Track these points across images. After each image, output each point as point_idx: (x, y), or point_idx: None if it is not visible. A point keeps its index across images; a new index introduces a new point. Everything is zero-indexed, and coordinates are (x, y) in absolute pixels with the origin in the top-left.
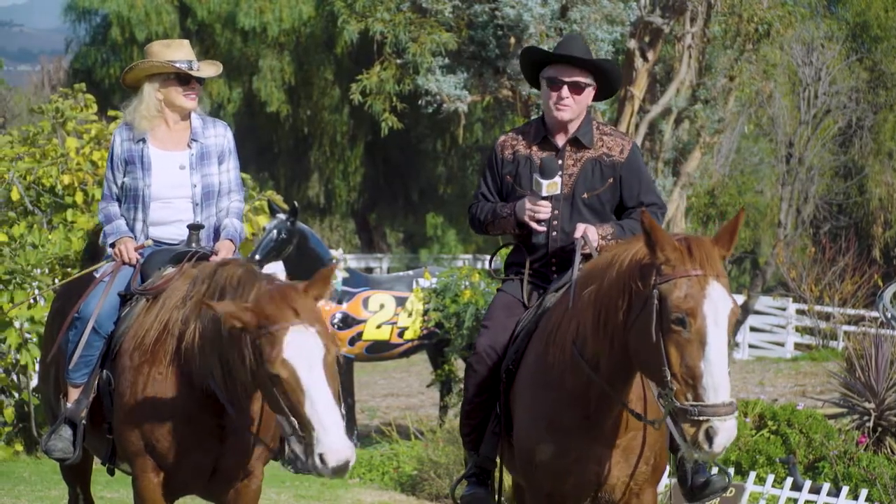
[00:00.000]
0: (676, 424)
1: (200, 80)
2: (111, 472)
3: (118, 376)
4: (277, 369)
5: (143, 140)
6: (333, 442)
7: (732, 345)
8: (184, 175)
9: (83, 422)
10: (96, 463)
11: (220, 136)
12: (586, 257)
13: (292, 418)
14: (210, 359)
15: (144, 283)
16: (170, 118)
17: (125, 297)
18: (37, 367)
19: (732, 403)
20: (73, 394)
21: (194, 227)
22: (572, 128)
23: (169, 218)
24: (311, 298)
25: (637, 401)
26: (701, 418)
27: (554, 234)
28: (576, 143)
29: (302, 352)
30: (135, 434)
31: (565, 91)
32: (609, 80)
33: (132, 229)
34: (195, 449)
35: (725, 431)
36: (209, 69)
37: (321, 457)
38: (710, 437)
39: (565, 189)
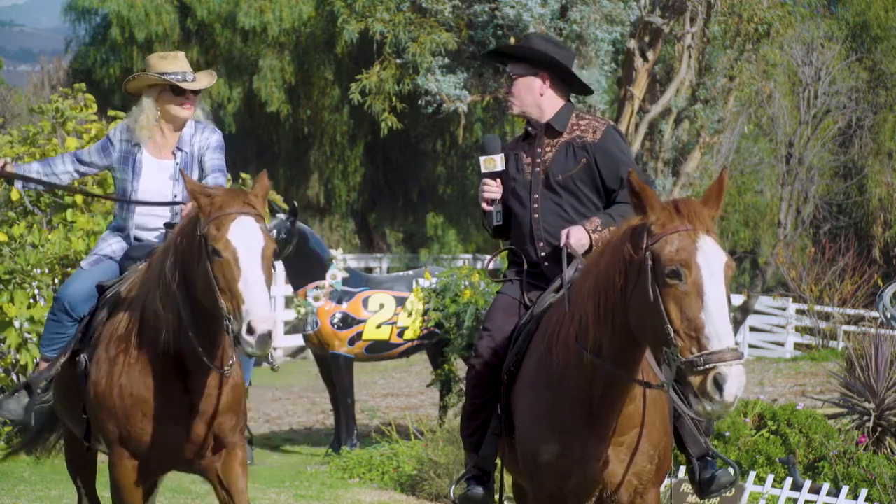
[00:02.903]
0: (685, 381)
1: (196, 91)
2: (88, 449)
3: (94, 365)
4: (220, 247)
5: (139, 145)
6: (260, 311)
7: (732, 309)
8: (169, 184)
9: (39, 389)
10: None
11: (205, 139)
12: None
13: (222, 302)
14: (175, 276)
15: (122, 275)
16: (166, 127)
17: (105, 288)
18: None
19: (737, 349)
20: (42, 366)
21: (171, 227)
22: (547, 117)
23: (154, 224)
24: (261, 199)
25: (637, 387)
26: (707, 366)
27: (535, 216)
28: (549, 129)
29: (243, 236)
30: (111, 422)
31: (506, 87)
32: (546, 61)
33: (120, 227)
34: (168, 422)
35: (734, 378)
36: (203, 80)
37: (249, 325)
38: (719, 385)
39: (541, 175)
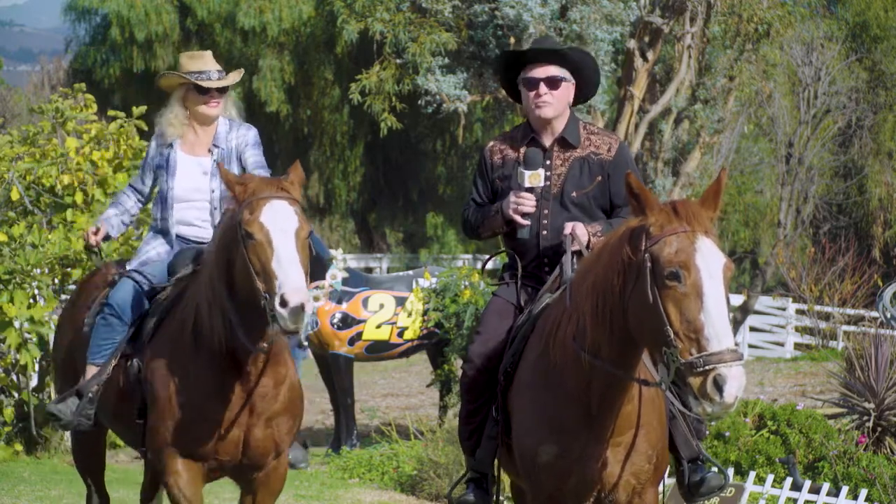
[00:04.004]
0: (684, 382)
1: (222, 89)
2: (144, 455)
3: (150, 371)
4: (253, 230)
5: (171, 145)
6: (293, 283)
7: (732, 309)
8: (205, 180)
9: (90, 394)
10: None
11: (242, 136)
12: (576, 255)
13: (258, 283)
14: (220, 275)
15: (172, 277)
16: (197, 125)
17: (156, 292)
18: (36, 367)
19: (737, 350)
20: (90, 371)
21: None
22: (558, 127)
23: (193, 219)
24: (297, 186)
25: (634, 386)
26: (707, 367)
27: (544, 232)
28: (563, 142)
29: (277, 218)
30: (167, 424)
31: (542, 88)
32: (586, 74)
33: (162, 229)
34: (227, 424)
35: (734, 378)
36: (230, 77)
37: (282, 297)
38: (718, 386)
39: (554, 189)
